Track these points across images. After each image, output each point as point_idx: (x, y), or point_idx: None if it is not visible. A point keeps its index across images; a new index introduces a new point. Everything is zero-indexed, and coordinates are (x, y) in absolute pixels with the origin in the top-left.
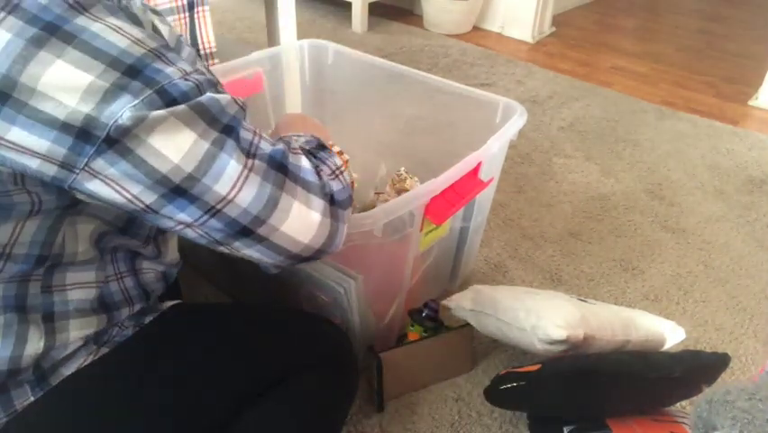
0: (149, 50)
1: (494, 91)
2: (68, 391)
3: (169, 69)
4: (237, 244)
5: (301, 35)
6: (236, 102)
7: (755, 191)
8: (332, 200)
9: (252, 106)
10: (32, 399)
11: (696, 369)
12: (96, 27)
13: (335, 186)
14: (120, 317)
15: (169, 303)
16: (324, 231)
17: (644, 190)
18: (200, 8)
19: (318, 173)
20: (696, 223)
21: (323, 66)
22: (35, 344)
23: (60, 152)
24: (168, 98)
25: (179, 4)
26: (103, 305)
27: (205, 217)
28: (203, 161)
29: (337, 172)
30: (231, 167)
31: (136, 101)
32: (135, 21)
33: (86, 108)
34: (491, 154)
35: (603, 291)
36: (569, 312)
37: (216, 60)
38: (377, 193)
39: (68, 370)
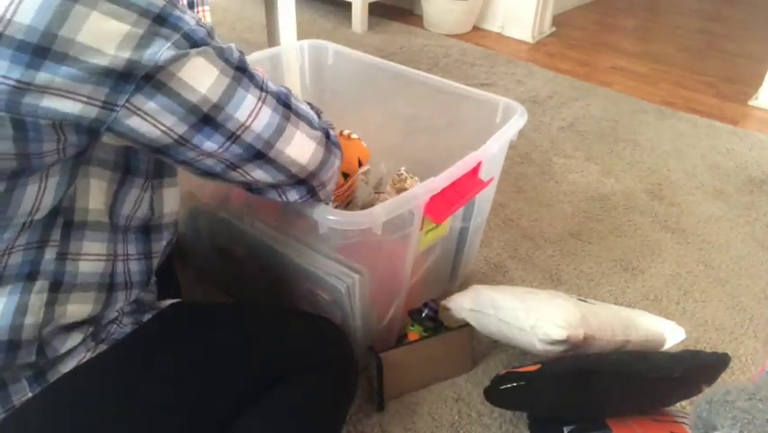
0: (167, 1)
1: (494, 91)
2: (66, 387)
3: (186, 17)
4: (249, 165)
5: (301, 35)
6: (237, 49)
7: (755, 191)
8: (327, 135)
9: None
10: (30, 395)
11: (696, 369)
12: None
13: (330, 130)
14: (116, 301)
15: (169, 301)
16: (318, 156)
17: (644, 190)
18: (200, 8)
19: (318, 114)
20: (696, 223)
21: (323, 66)
22: (35, 314)
23: (103, 91)
24: (191, 41)
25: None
26: (105, 283)
27: (227, 144)
28: (225, 92)
29: (331, 125)
30: (248, 98)
31: (168, 43)
32: None
33: (126, 54)
34: (491, 154)
35: (603, 291)
36: (569, 312)
37: None
38: (377, 193)
39: (67, 367)
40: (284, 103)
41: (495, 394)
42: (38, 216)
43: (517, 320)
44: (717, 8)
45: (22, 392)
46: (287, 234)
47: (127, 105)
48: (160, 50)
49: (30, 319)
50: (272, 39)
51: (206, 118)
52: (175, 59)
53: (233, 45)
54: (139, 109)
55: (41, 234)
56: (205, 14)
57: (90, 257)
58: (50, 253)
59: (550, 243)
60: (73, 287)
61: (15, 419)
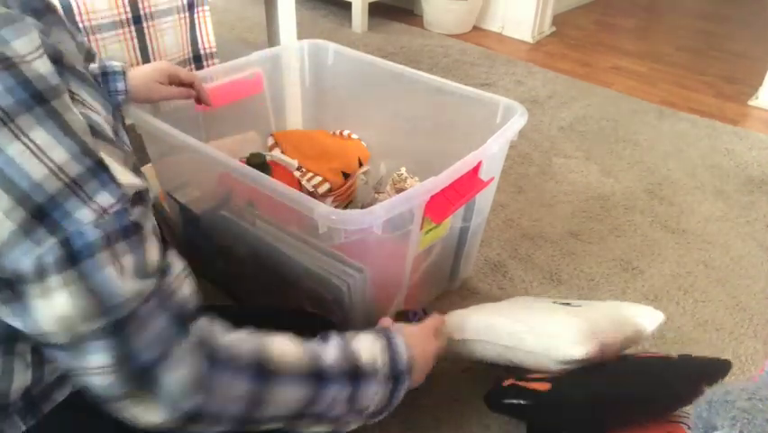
0: (67, 183)
1: (494, 91)
2: (60, 418)
3: (82, 212)
4: None
5: (301, 35)
6: (139, 283)
7: (755, 191)
8: (192, 417)
9: (252, 107)
10: (24, 428)
11: (701, 381)
12: (13, 150)
13: (229, 408)
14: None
15: None
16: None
17: (644, 190)
18: (200, 8)
19: (200, 387)
20: (696, 223)
21: (323, 66)
22: (21, 376)
23: None
24: (70, 250)
25: (179, 4)
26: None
27: (71, 372)
28: (68, 344)
29: (263, 401)
30: (93, 359)
31: (37, 251)
32: (67, 125)
33: None
34: (491, 154)
35: (603, 291)
36: (578, 326)
37: (216, 60)
38: (377, 193)
39: (60, 396)
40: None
41: (496, 404)
42: None
43: (524, 343)
44: (717, 8)
45: (15, 428)
46: (287, 232)
47: None
48: (22, 258)
49: (17, 383)
50: (272, 39)
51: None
52: (35, 276)
53: (128, 288)
54: None
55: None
56: (206, 15)
57: None
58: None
59: (550, 243)
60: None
61: None
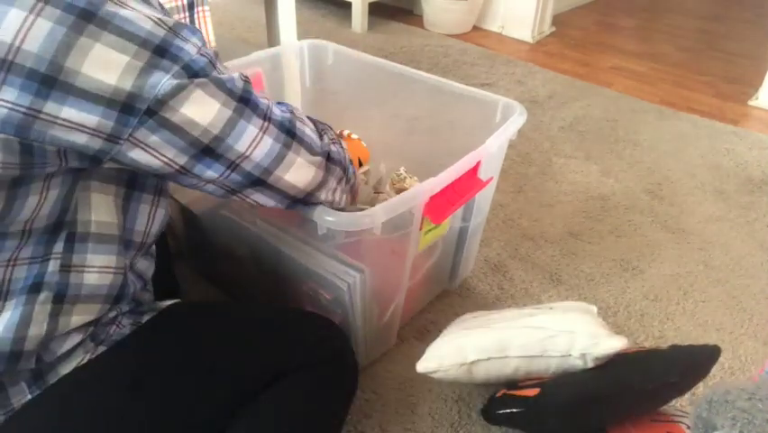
0: (168, 30)
1: (494, 91)
2: (65, 389)
3: (188, 46)
4: (249, 190)
5: (301, 35)
6: (242, 77)
7: (755, 191)
8: (328, 157)
9: None
10: (30, 397)
11: (691, 368)
12: (123, 12)
13: (333, 147)
14: (120, 306)
15: (168, 302)
16: (318, 179)
17: (644, 190)
18: (200, 8)
19: (321, 136)
20: (696, 223)
21: (323, 66)
22: (39, 326)
23: (108, 125)
24: (191, 72)
25: (179, 3)
26: (113, 295)
27: (227, 173)
28: (227, 124)
29: (336, 140)
30: (249, 129)
31: (168, 75)
32: (149, 2)
33: (128, 86)
34: (490, 153)
35: (603, 291)
36: (597, 322)
37: None
38: (377, 192)
39: (66, 369)
40: (287, 130)
41: (492, 416)
42: (36, 225)
43: (556, 348)
44: (717, 8)
45: (22, 394)
46: (288, 232)
47: (130, 138)
48: (160, 83)
49: (33, 331)
50: (272, 39)
51: (207, 150)
52: (175, 93)
53: (235, 75)
54: (141, 142)
55: (45, 248)
56: (206, 14)
57: (95, 269)
58: (53, 266)
59: (550, 243)
60: (78, 298)
61: (15, 420)
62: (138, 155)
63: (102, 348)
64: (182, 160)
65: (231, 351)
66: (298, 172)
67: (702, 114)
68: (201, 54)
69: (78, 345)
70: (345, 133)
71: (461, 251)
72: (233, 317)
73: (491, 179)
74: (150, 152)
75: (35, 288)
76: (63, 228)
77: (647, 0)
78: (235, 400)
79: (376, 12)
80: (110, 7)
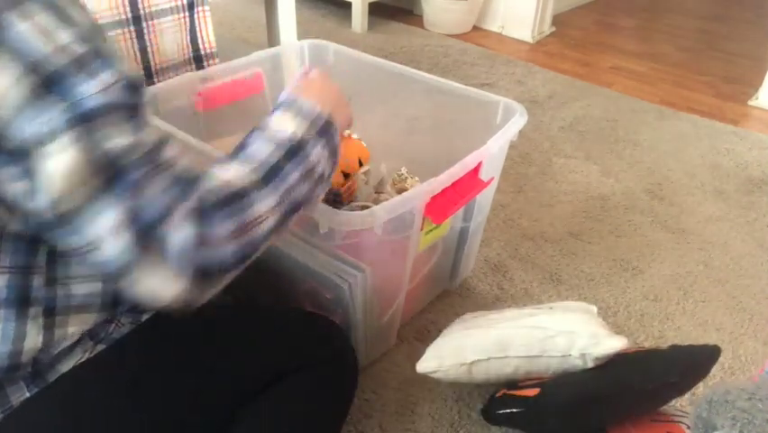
0: (74, 59)
1: (494, 91)
2: (64, 387)
3: (88, 83)
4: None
5: (301, 35)
6: (142, 145)
7: (755, 191)
8: (203, 272)
9: (252, 106)
10: (29, 395)
11: (690, 368)
12: (24, 26)
13: (228, 249)
14: (120, 311)
15: None
16: (185, 295)
17: (644, 190)
18: (200, 8)
19: (202, 243)
20: (696, 223)
21: (323, 66)
22: (34, 339)
23: None
24: (78, 112)
25: (179, 3)
26: (108, 302)
27: (82, 252)
28: (78, 207)
29: (250, 226)
30: (103, 220)
31: (48, 114)
32: (69, 20)
33: (2, 113)
34: (492, 154)
35: (603, 291)
36: (598, 321)
37: (217, 61)
38: (377, 192)
39: (65, 367)
40: (150, 238)
41: (492, 416)
42: (8, 231)
43: (556, 348)
44: (717, 8)
45: (20, 392)
46: (289, 232)
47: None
48: (32, 122)
49: (29, 344)
50: (272, 39)
51: (58, 222)
52: (45, 139)
53: (134, 140)
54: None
55: (26, 260)
56: (206, 14)
57: (82, 279)
58: (38, 281)
59: (550, 243)
60: (69, 309)
61: (13, 418)
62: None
63: (101, 346)
64: (39, 206)
65: (231, 351)
66: (156, 287)
67: (702, 114)
68: (105, 90)
69: (77, 343)
70: (345, 133)
71: (462, 251)
72: (233, 318)
73: (492, 179)
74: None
75: (24, 301)
76: (41, 241)
77: (647, 0)
78: (235, 400)
79: (376, 12)
80: (9, 16)
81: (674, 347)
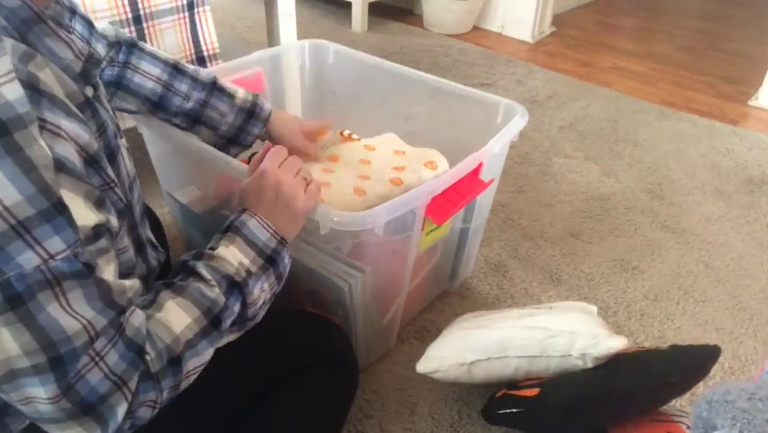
0: (12, 226)
1: (494, 91)
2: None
3: (26, 256)
4: None
5: (301, 35)
6: (90, 326)
7: (755, 191)
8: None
9: None
10: (28, 422)
11: (690, 368)
12: None
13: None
14: None
15: None
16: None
17: (644, 190)
18: (200, 8)
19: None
20: (696, 223)
21: (323, 66)
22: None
23: None
24: (10, 292)
25: (179, 3)
26: None
27: (18, 403)
28: (12, 377)
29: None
30: (40, 391)
31: None
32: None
33: None
34: (492, 155)
35: (603, 291)
36: (598, 321)
37: (220, 61)
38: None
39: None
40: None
41: (492, 416)
42: None
43: (555, 348)
44: (717, 8)
45: (20, 421)
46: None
47: None
48: None
49: None
50: (272, 39)
51: None
52: None
53: (80, 326)
54: None
55: None
56: (206, 14)
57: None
58: None
59: (550, 243)
60: None
61: None
62: None
63: None
64: None
65: (231, 351)
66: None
67: (702, 114)
68: (43, 265)
69: None
70: (345, 133)
71: (462, 252)
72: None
73: (492, 180)
74: None
75: None
76: None
77: (647, 0)
78: (236, 401)
79: (376, 12)
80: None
81: (674, 347)
